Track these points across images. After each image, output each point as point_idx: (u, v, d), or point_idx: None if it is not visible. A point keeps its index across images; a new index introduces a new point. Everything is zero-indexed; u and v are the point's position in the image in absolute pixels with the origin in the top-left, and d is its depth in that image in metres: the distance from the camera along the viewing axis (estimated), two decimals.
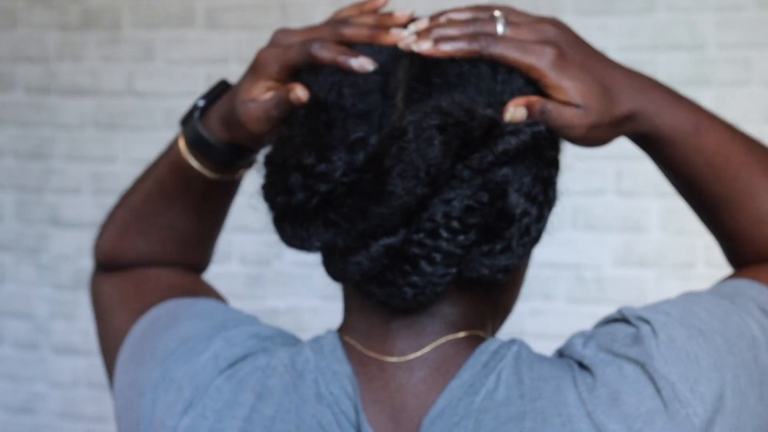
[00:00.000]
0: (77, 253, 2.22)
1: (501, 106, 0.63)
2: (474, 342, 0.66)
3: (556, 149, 0.66)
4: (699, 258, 1.95)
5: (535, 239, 0.64)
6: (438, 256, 0.61)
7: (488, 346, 0.65)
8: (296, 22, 2.12)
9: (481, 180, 0.61)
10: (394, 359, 0.66)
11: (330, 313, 2.13)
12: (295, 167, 0.61)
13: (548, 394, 0.62)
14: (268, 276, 2.12)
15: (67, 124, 2.24)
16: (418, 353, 0.66)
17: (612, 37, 2.00)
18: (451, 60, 0.64)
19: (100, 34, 2.23)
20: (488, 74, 0.65)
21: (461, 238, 0.61)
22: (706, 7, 1.97)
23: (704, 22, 1.98)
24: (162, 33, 2.18)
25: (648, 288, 1.99)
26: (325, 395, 0.65)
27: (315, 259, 0.67)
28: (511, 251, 0.63)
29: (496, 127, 0.62)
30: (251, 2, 2.13)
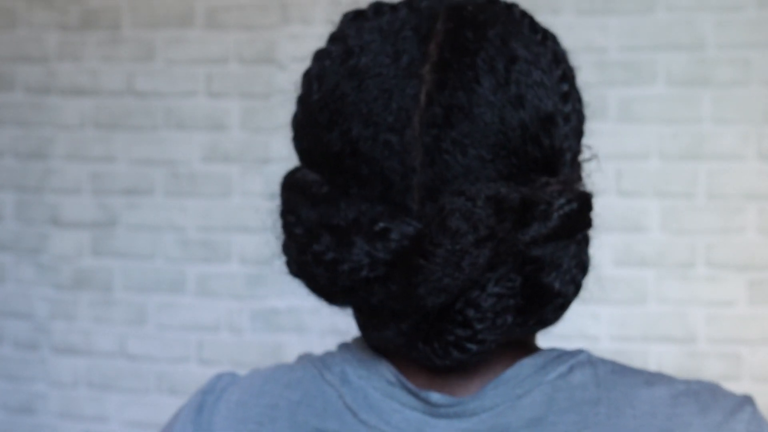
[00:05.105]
0: (77, 253, 2.22)
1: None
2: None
3: (588, 224, 0.66)
4: (699, 258, 1.95)
5: (568, 305, 0.64)
6: (474, 347, 0.58)
7: (556, 349, 0.65)
8: (296, 22, 2.13)
9: (513, 264, 0.59)
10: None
11: (330, 313, 2.13)
12: (315, 261, 0.59)
13: (622, 388, 0.63)
14: (268, 276, 2.12)
15: (67, 124, 2.24)
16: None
17: (612, 37, 2.00)
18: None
19: (100, 34, 2.23)
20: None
21: (499, 322, 0.58)
22: (706, 7, 1.98)
23: (704, 22, 1.98)
24: (162, 33, 2.18)
25: (648, 288, 1.98)
26: (352, 380, 0.64)
27: None
28: (546, 322, 0.63)
29: (528, 209, 0.59)
30: (251, 2, 2.12)
